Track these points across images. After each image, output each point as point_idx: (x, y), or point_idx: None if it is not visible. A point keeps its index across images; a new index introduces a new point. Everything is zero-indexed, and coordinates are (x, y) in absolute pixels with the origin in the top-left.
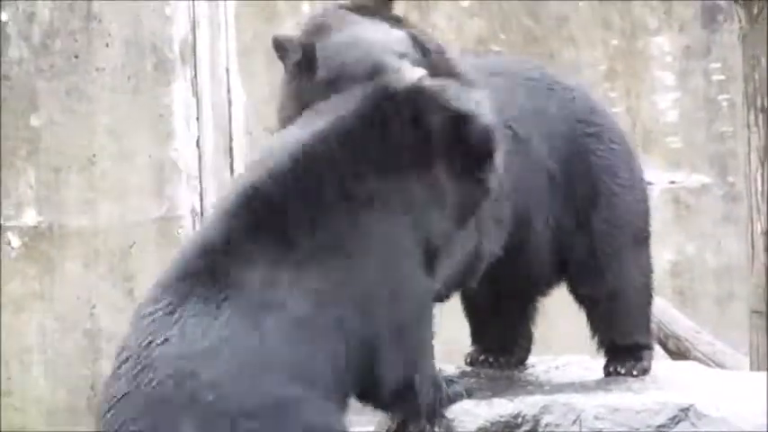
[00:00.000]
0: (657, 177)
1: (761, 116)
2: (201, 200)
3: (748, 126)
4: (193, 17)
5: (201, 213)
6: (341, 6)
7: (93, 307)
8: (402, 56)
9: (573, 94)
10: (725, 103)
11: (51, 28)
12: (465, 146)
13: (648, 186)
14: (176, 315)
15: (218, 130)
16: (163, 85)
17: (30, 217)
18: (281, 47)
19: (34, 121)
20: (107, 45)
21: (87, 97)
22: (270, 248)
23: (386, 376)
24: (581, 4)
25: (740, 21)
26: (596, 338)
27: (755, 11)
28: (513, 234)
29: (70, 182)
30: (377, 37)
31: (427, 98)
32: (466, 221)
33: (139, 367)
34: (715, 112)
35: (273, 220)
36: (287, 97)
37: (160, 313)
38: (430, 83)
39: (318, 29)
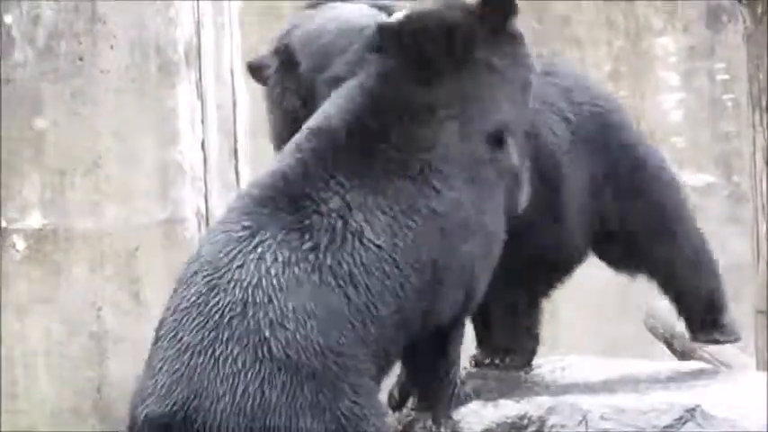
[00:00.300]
0: None
1: (765, 116)
2: (206, 202)
3: (753, 126)
4: (198, 19)
5: (207, 215)
6: (305, 6)
7: (99, 309)
8: (381, 8)
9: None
10: (729, 103)
11: (56, 30)
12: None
13: None
14: (256, 240)
15: (223, 133)
16: (167, 88)
17: (35, 220)
18: (256, 68)
19: (39, 123)
20: (111, 47)
21: (92, 100)
22: (344, 179)
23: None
24: (584, 4)
25: (744, 21)
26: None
27: (760, 11)
28: (540, 193)
29: (75, 185)
30: (348, 9)
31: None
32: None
33: (212, 284)
34: (720, 112)
35: (344, 152)
36: (278, 119)
37: (239, 234)
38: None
39: (288, 32)
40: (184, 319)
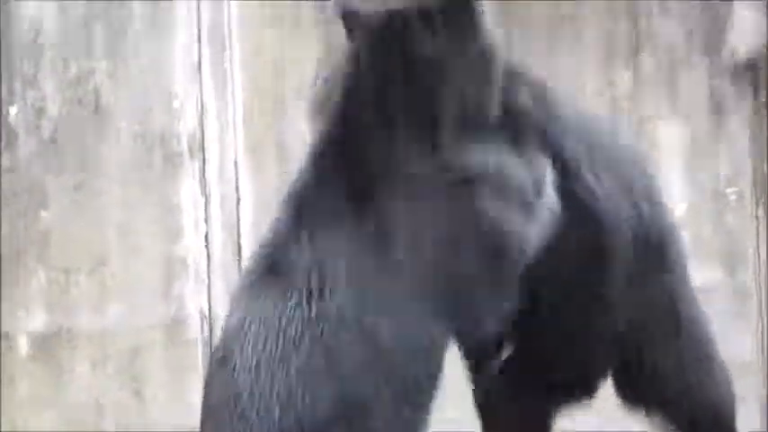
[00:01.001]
0: None
1: None
2: (209, 299)
3: (757, 219)
4: (201, 111)
5: (210, 313)
6: None
7: (101, 408)
8: None
9: None
10: (733, 196)
11: (60, 122)
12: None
13: None
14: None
15: (227, 228)
16: (171, 181)
17: (39, 320)
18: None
19: (43, 217)
20: (116, 139)
21: (96, 192)
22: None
23: None
24: (587, 91)
25: (748, 112)
26: None
27: (764, 100)
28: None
29: (80, 283)
30: None
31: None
32: None
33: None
34: (723, 204)
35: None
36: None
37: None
38: None
39: None
40: None
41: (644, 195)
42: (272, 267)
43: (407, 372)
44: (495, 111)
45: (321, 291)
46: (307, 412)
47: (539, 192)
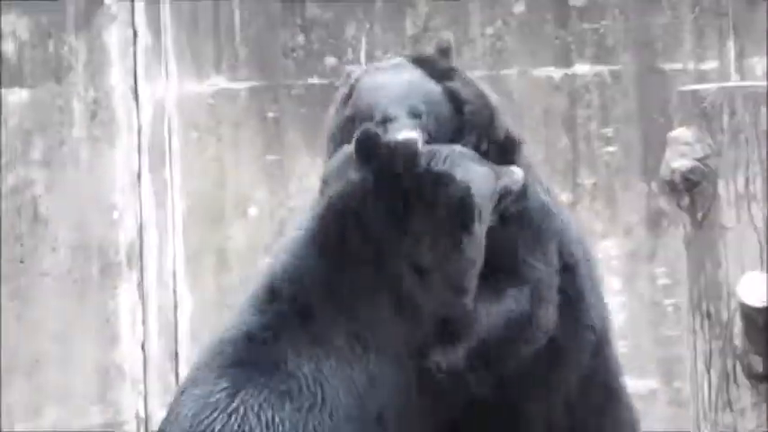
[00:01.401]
0: None
1: (706, 321)
2: (146, 405)
3: (694, 331)
4: (140, 221)
5: (146, 419)
6: (402, 55)
7: None
8: (415, 111)
9: None
10: (670, 308)
11: None
12: (439, 206)
13: None
14: (237, 401)
15: (164, 335)
16: (109, 290)
17: None
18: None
19: None
20: (53, 249)
21: (32, 302)
22: (314, 347)
23: None
24: None
25: (685, 226)
26: None
27: (699, 216)
28: None
29: (14, 386)
30: (398, 88)
31: (399, 158)
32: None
33: None
34: (660, 316)
35: (310, 319)
36: (327, 124)
37: (217, 396)
38: (411, 143)
39: (368, 70)
40: None
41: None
42: (235, 362)
43: None
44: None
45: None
46: None
47: None
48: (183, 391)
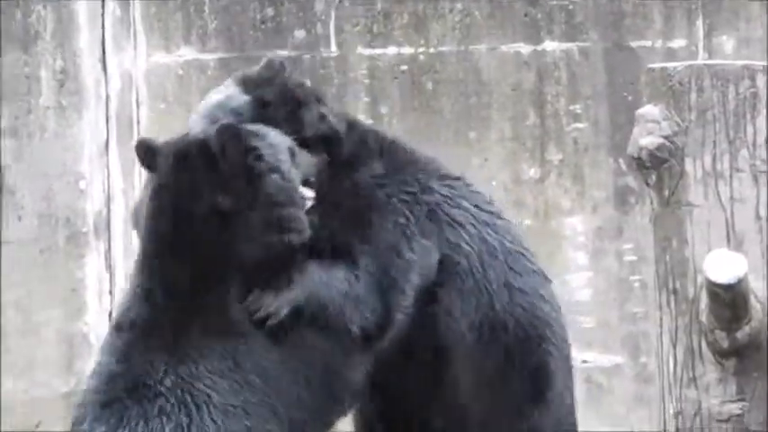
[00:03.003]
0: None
1: (672, 298)
2: None
3: (660, 308)
4: (108, 191)
5: None
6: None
7: None
8: (236, 113)
9: None
10: (636, 284)
11: None
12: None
13: None
14: None
15: None
16: (76, 259)
17: None
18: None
19: None
20: (19, 218)
21: None
22: (166, 357)
23: None
24: (494, 183)
25: (652, 203)
26: None
27: (666, 194)
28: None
29: None
30: (204, 107)
31: (225, 137)
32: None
33: None
34: (627, 292)
35: (154, 333)
36: None
37: None
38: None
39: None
40: None
41: None
42: (130, 387)
43: None
44: (303, 232)
45: (189, 415)
46: None
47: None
48: None
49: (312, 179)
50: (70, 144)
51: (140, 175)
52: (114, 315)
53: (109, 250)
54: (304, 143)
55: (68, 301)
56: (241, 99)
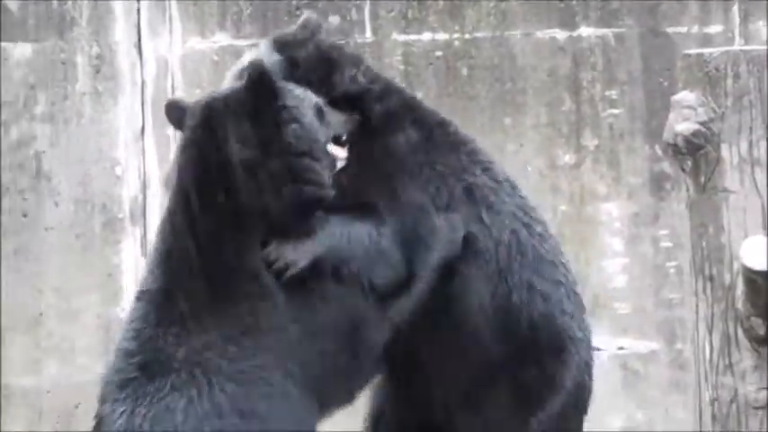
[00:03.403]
0: (606, 343)
1: (708, 284)
2: None
3: (696, 294)
4: (144, 177)
5: None
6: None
7: None
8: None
9: None
10: (672, 270)
11: (0, 187)
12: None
13: (597, 352)
14: (138, 420)
15: None
16: (112, 245)
17: None
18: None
19: None
20: (56, 204)
21: (35, 257)
22: (178, 330)
23: None
24: (529, 168)
25: (688, 189)
26: None
27: (702, 180)
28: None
29: (16, 341)
30: (236, 68)
31: (255, 72)
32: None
33: None
34: (663, 278)
35: (166, 305)
36: None
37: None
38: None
39: None
40: None
41: None
42: (142, 365)
43: None
44: (323, 187)
45: (199, 388)
46: None
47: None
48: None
49: (343, 138)
50: (106, 130)
51: None
52: (139, 281)
53: (144, 236)
54: (336, 104)
55: (105, 287)
56: (273, 59)
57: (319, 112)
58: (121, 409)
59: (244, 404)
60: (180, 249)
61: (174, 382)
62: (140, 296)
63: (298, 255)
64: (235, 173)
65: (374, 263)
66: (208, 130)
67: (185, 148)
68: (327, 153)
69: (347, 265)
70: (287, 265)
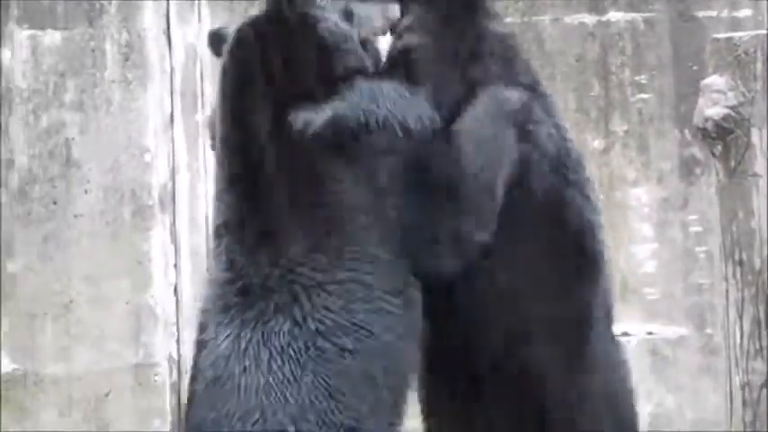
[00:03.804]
0: (635, 328)
1: (738, 269)
2: (178, 347)
3: (726, 279)
4: (173, 164)
5: (179, 360)
6: None
7: None
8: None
9: None
10: (702, 255)
11: (30, 174)
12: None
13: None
14: (243, 344)
15: (196, 278)
16: (141, 232)
17: (3, 365)
18: None
19: (10, 267)
20: (86, 192)
21: (65, 244)
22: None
23: None
24: None
25: (718, 174)
26: None
27: (732, 165)
28: None
29: (46, 328)
30: None
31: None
32: None
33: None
34: (692, 263)
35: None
36: None
37: (224, 344)
38: None
39: None
40: None
41: None
42: (241, 290)
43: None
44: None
45: (302, 306)
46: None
47: None
48: (200, 343)
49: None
50: (135, 117)
51: (204, 148)
52: (212, 219)
53: (174, 223)
54: None
55: (134, 274)
56: None
57: (347, 14)
58: (226, 333)
59: (346, 318)
60: (241, 171)
61: (277, 303)
62: (220, 230)
63: (318, 114)
64: (270, 92)
65: (406, 109)
66: (242, 50)
67: (224, 76)
68: (358, 49)
69: (374, 116)
70: (307, 124)
